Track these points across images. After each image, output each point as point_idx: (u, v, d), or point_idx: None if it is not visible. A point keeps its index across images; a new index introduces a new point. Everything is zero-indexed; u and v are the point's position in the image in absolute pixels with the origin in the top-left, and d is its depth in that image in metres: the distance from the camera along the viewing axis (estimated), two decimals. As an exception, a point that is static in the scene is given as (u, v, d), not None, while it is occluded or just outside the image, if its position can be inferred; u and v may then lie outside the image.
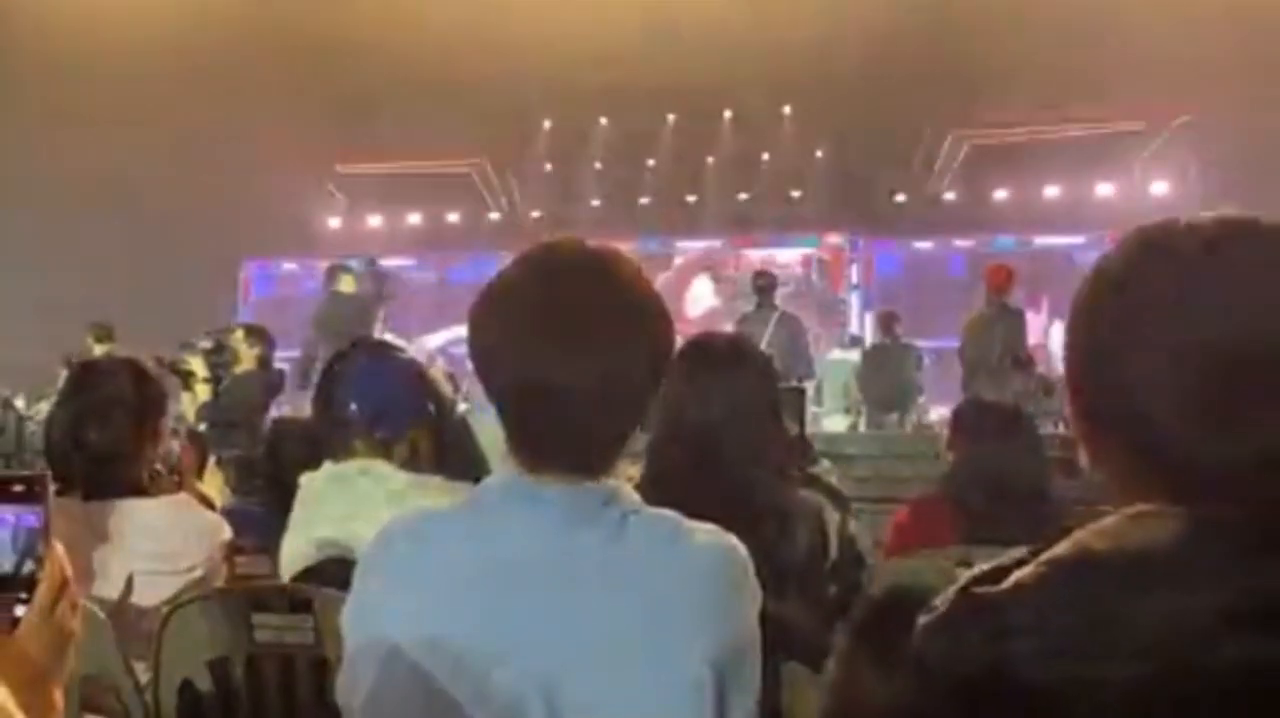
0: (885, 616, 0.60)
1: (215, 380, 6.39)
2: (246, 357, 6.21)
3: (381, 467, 1.87)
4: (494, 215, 13.97)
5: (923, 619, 0.58)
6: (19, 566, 0.97)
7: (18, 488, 0.97)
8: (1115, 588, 0.55)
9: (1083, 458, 0.69)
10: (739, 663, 1.10)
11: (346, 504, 1.81)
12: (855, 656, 0.61)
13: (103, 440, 2.00)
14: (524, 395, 1.08)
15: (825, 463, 2.24)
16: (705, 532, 1.12)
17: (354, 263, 8.23)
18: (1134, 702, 0.52)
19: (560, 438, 1.08)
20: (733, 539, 1.14)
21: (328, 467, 1.97)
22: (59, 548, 0.97)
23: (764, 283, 7.69)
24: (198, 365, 6.46)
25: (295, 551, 1.90)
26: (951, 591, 0.58)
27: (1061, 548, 0.58)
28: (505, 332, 1.09)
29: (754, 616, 1.13)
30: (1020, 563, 0.59)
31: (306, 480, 1.98)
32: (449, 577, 1.08)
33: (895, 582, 0.65)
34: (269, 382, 6.25)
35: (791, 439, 2.09)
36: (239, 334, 6.36)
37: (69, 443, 2.01)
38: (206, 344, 6.51)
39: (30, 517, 0.97)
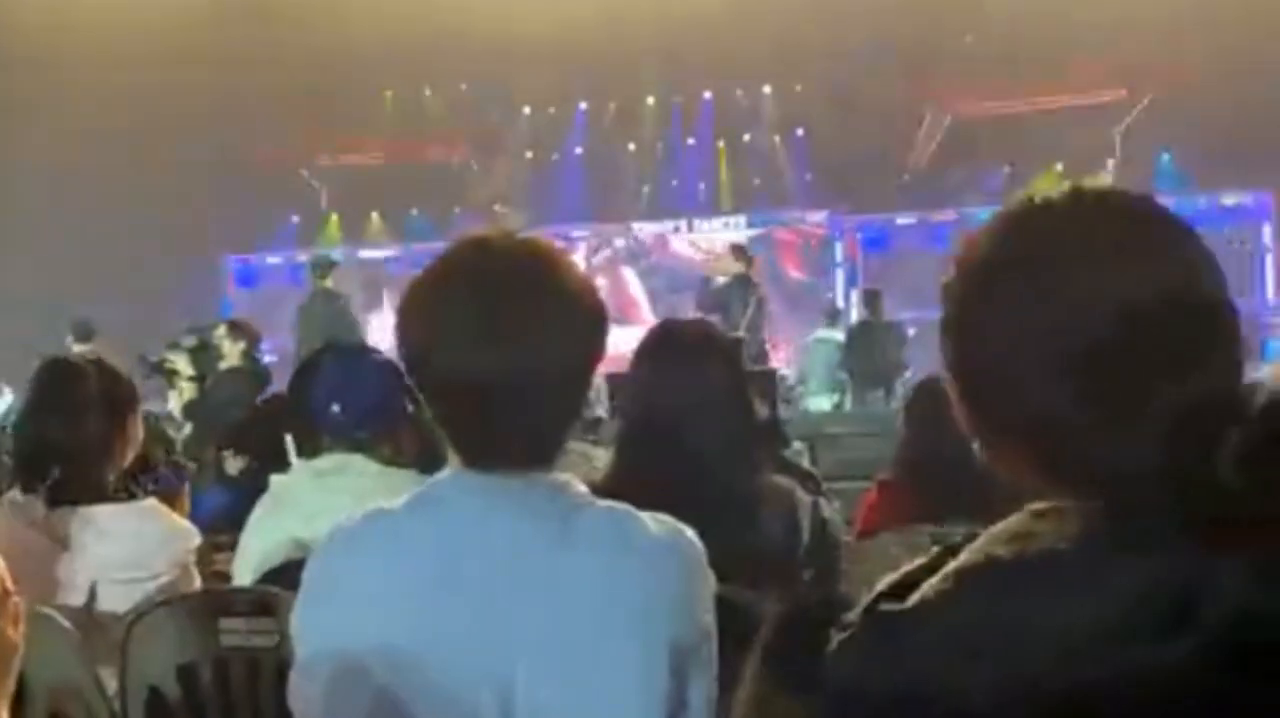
0: (790, 635, 0.58)
1: (200, 378, 6.34)
2: (231, 352, 6.14)
3: (358, 462, 1.87)
4: (474, 204, 13.91)
5: (835, 640, 0.56)
6: None
7: None
8: (1022, 596, 0.53)
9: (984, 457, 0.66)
10: (695, 652, 1.10)
11: (317, 503, 1.81)
12: (763, 677, 0.59)
13: (71, 441, 1.96)
14: (456, 393, 1.07)
15: (797, 445, 2.24)
16: (657, 522, 1.11)
17: (336, 255, 8.19)
18: (1051, 710, 0.51)
19: (498, 433, 1.07)
20: (685, 529, 1.13)
21: (300, 465, 1.97)
22: (1, 562, 0.95)
23: (745, 257, 7.76)
24: (182, 364, 6.41)
25: (263, 548, 1.89)
26: (859, 609, 0.57)
27: (966, 557, 0.56)
28: (432, 330, 1.08)
29: (708, 604, 1.13)
30: (930, 569, 0.57)
31: (279, 480, 1.98)
32: (396, 579, 1.07)
33: (796, 602, 0.64)
34: (256, 377, 6.15)
35: (763, 423, 2.08)
36: (221, 330, 6.27)
37: (37, 445, 1.97)
38: (190, 342, 6.45)
39: None
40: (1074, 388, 0.59)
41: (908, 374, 8.54)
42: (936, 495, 2.20)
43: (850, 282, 12.72)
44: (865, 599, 0.57)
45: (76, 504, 1.92)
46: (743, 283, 7.72)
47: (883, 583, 0.58)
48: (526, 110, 13.36)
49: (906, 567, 0.59)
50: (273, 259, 13.38)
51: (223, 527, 2.40)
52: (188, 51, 11.31)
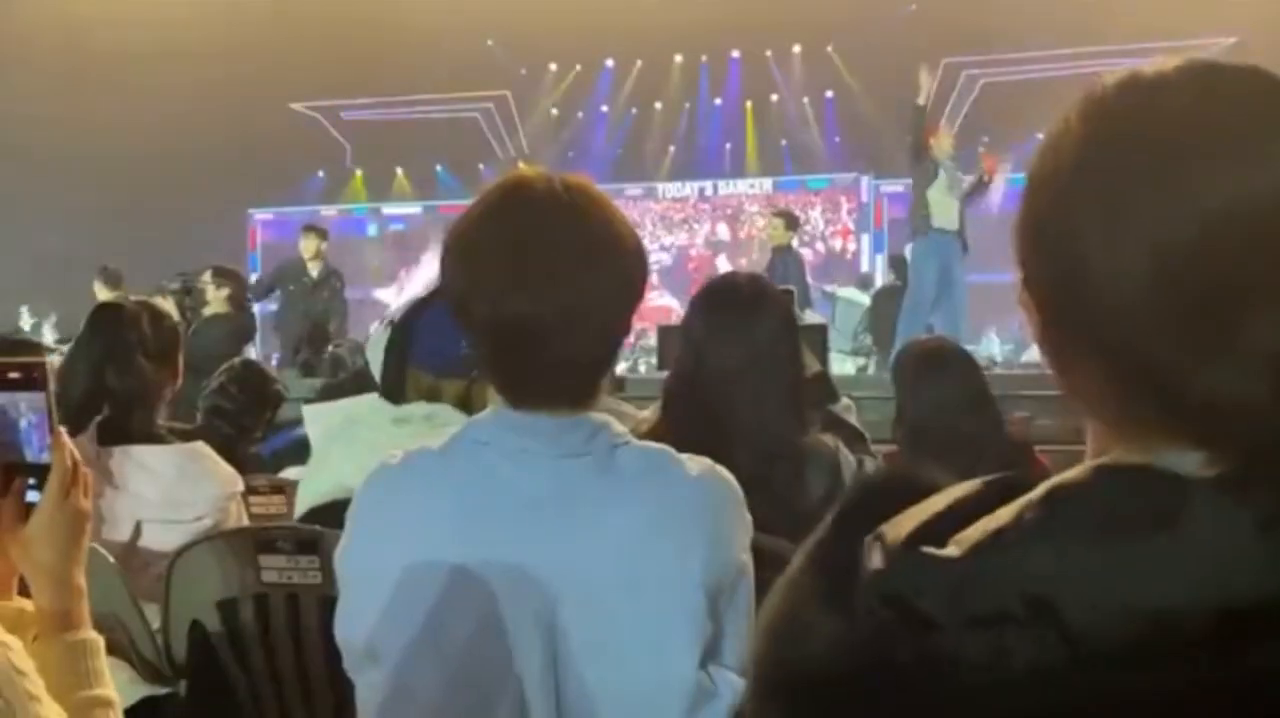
0: (846, 543, 0.52)
1: (185, 325, 6.30)
2: (215, 299, 5.96)
3: (445, 411, 1.75)
4: (501, 160, 13.87)
5: (868, 571, 0.51)
6: (26, 452, 0.96)
7: (14, 375, 0.95)
8: (1067, 556, 0.48)
9: (1057, 379, 0.57)
10: (732, 590, 1.11)
11: (390, 449, 1.74)
12: (803, 582, 0.54)
13: (125, 384, 2.01)
14: (498, 334, 1.08)
15: (846, 400, 2.22)
16: (695, 462, 1.13)
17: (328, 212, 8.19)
18: (1091, 676, 0.47)
19: (538, 372, 1.09)
20: (723, 470, 1.14)
21: (385, 408, 1.82)
22: (64, 433, 0.97)
23: (797, 224, 7.84)
24: (169, 309, 6.37)
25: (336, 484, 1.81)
26: (898, 544, 0.51)
27: (1006, 512, 0.50)
28: (472, 272, 1.09)
29: (745, 544, 1.14)
30: (973, 498, 0.52)
31: (355, 418, 1.84)
32: (438, 517, 1.08)
33: (865, 488, 0.58)
34: (239, 325, 6.00)
35: (813, 376, 2.05)
36: (207, 276, 6.10)
37: (91, 387, 2.01)
38: (175, 286, 6.34)
39: (33, 403, 0.96)
40: (1177, 306, 0.50)
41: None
42: (930, 463, 2.19)
43: (877, 247, 12.64)
44: (899, 532, 0.52)
45: (126, 444, 1.95)
46: (790, 250, 7.90)
47: (923, 516, 0.52)
48: (553, 67, 13.27)
49: (941, 500, 0.53)
50: (299, 213, 13.40)
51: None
52: (213, 11, 11.28)
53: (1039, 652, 0.47)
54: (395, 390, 1.80)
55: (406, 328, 1.82)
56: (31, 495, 0.96)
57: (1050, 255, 0.55)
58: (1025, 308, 0.58)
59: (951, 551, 0.50)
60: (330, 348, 6.94)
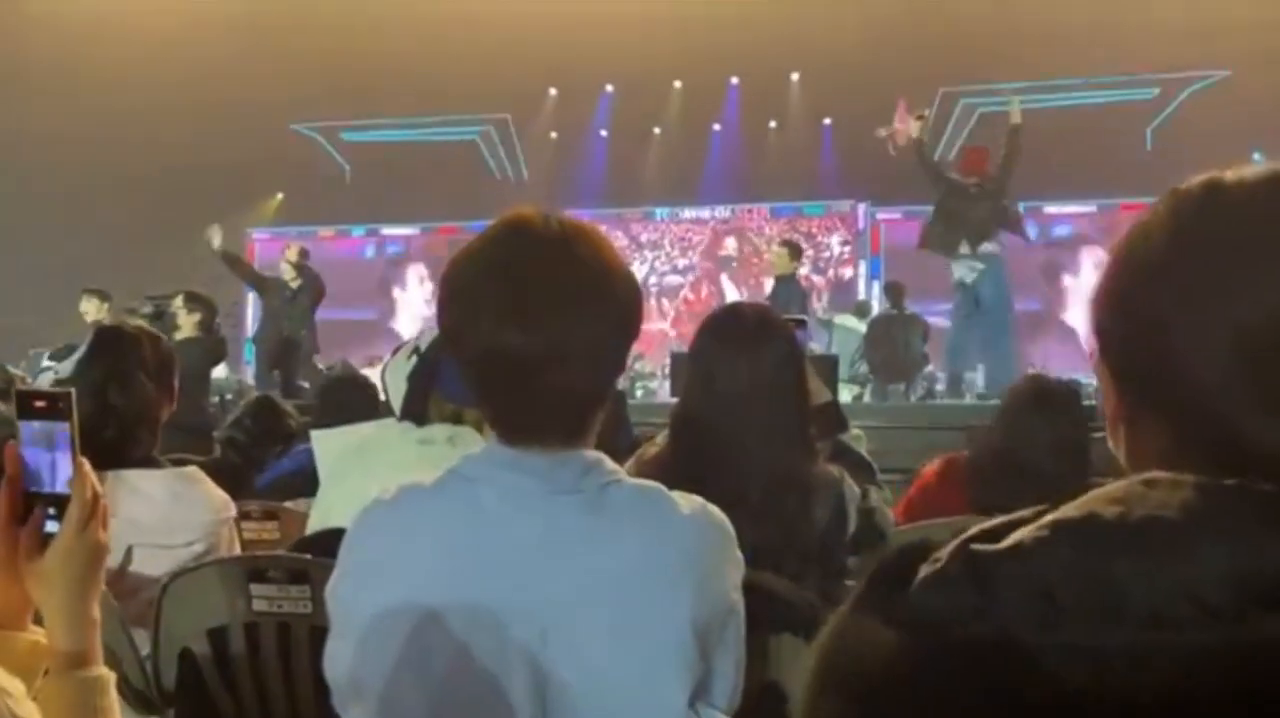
0: (900, 565, 0.57)
1: None
2: (186, 323, 6.04)
3: (468, 434, 1.77)
4: (499, 184, 13.93)
5: (922, 572, 0.56)
6: (48, 483, 0.96)
7: (41, 404, 0.95)
8: (1118, 554, 0.52)
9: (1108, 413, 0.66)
10: (721, 629, 1.11)
11: (411, 470, 1.73)
12: (863, 603, 0.58)
13: (129, 405, 2.02)
14: (490, 366, 1.08)
15: (856, 430, 2.21)
16: (687, 501, 1.13)
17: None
18: (1130, 672, 0.50)
19: (530, 406, 1.09)
20: (714, 509, 1.14)
21: (409, 430, 1.83)
22: (87, 464, 0.96)
23: (800, 254, 7.88)
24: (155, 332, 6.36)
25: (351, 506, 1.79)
26: (953, 545, 0.56)
27: (1067, 510, 0.56)
28: (467, 307, 1.09)
29: (736, 583, 1.14)
30: (1025, 522, 0.56)
31: (375, 439, 1.87)
32: (428, 554, 1.08)
33: (916, 537, 0.63)
34: (210, 349, 6.09)
35: (822, 407, 2.05)
36: (179, 300, 6.19)
37: (96, 407, 2.01)
38: (147, 309, 6.43)
39: (57, 434, 0.95)
40: (1252, 378, 0.59)
41: (929, 368, 8.51)
42: (998, 488, 2.18)
43: (874, 273, 12.68)
44: (958, 538, 0.57)
45: (119, 468, 1.94)
46: (794, 279, 7.93)
47: (977, 527, 0.57)
48: (553, 92, 13.33)
49: (1005, 517, 0.59)
50: (293, 233, 13.42)
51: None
52: (220, 29, 11.34)
53: (1088, 635, 0.51)
54: (418, 415, 1.81)
55: (432, 360, 1.84)
56: (51, 526, 0.96)
57: (1136, 333, 0.64)
58: (1100, 376, 0.66)
59: (1004, 546, 0.55)
60: (325, 370, 6.98)
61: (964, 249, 7.16)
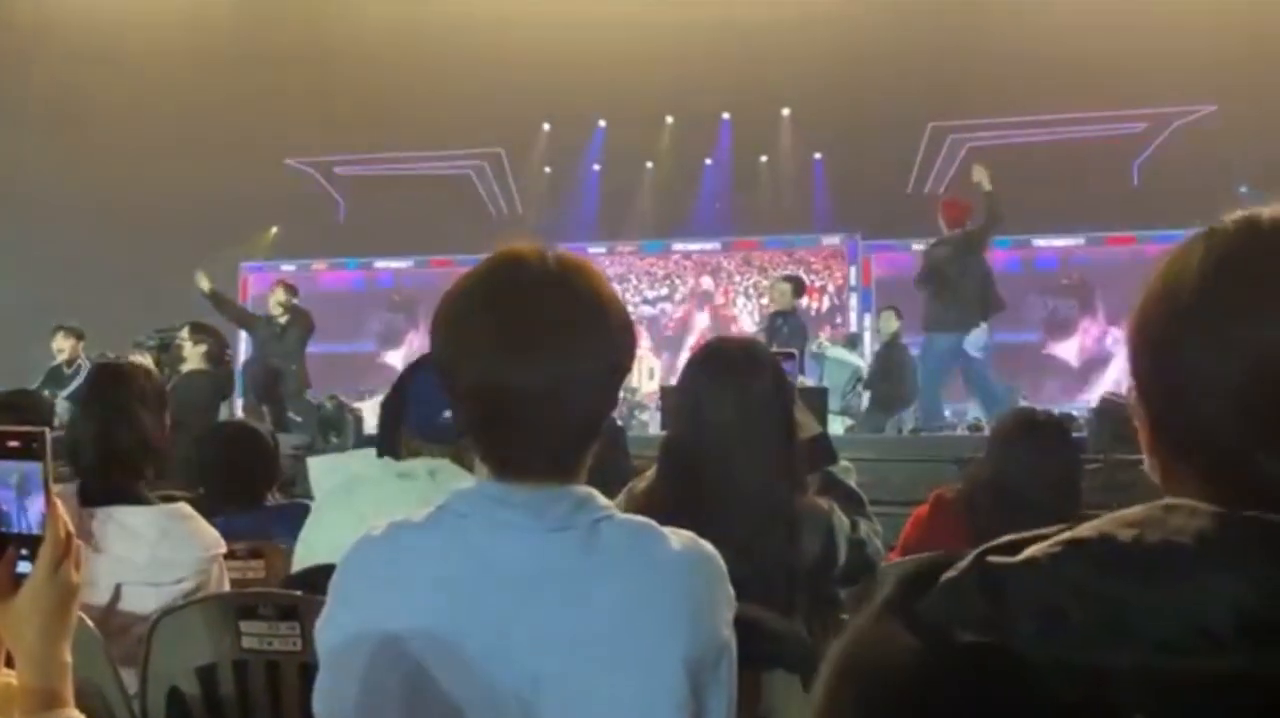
0: (926, 572, 0.59)
1: (164, 380, 6.23)
2: (192, 355, 5.97)
3: (449, 467, 1.78)
4: (493, 217, 13.98)
5: (941, 580, 0.57)
6: (19, 523, 0.95)
7: (14, 444, 0.94)
8: (1129, 576, 0.53)
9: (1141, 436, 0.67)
10: (714, 667, 1.11)
11: (394, 505, 1.74)
12: (889, 606, 0.59)
13: (133, 442, 2.02)
14: (482, 401, 1.09)
15: (845, 463, 2.22)
16: (679, 536, 1.13)
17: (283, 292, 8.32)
18: (1130, 695, 0.50)
19: (522, 442, 1.09)
20: (706, 544, 1.14)
21: (389, 464, 1.84)
22: (60, 505, 0.96)
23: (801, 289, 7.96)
24: (147, 364, 6.34)
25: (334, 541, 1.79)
26: (971, 555, 0.58)
27: (1083, 530, 0.57)
28: (460, 342, 1.10)
29: (728, 619, 1.14)
30: (1044, 538, 0.57)
31: (356, 474, 1.87)
32: (418, 592, 1.08)
33: (930, 559, 0.63)
34: (217, 381, 6.02)
35: (813, 438, 2.07)
36: (185, 332, 6.13)
37: (103, 447, 2.01)
38: (153, 342, 6.40)
39: (30, 473, 0.95)
40: (1268, 413, 0.59)
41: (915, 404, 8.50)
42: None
43: (865, 305, 12.72)
44: (977, 549, 0.58)
45: (108, 504, 1.94)
46: (794, 314, 8.00)
47: (995, 541, 0.58)
48: (546, 126, 13.42)
49: (1026, 533, 0.60)
50: (286, 267, 13.45)
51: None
52: (211, 61, 11.42)
53: (1092, 654, 0.51)
54: (392, 450, 1.81)
55: (401, 391, 1.84)
56: (23, 567, 0.95)
57: (1162, 365, 0.64)
58: (1138, 419, 0.67)
59: (1018, 559, 0.56)
60: (324, 402, 6.96)
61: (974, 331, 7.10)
